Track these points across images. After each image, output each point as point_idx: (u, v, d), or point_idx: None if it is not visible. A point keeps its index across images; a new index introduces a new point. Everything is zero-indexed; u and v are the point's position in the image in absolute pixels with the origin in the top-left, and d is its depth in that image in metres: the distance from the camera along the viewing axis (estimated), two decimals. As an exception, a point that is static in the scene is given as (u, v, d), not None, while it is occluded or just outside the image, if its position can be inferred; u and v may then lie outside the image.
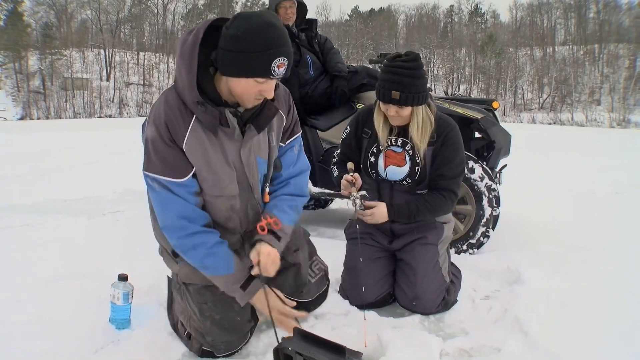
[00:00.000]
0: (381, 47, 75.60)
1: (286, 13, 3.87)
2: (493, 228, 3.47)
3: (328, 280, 2.61)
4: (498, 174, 3.84)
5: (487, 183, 3.40)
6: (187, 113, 1.88)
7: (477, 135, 3.85)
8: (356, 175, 2.49)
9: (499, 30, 75.35)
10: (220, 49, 1.79)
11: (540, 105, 64.23)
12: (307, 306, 2.45)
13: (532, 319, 2.39)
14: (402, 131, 2.60)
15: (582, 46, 67.76)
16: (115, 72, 74.43)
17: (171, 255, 2.16)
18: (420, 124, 2.49)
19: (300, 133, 2.26)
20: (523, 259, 3.28)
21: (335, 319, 2.52)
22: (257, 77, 1.79)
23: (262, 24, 1.75)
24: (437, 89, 69.81)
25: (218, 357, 2.15)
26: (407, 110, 2.45)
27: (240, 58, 1.75)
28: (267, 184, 2.15)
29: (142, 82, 72.24)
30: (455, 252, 3.43)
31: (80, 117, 64.68)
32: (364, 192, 2.48)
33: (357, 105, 3.90)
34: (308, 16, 4.08)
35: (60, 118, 63.23)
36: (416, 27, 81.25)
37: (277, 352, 1.81)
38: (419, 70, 2.43)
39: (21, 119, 60.93)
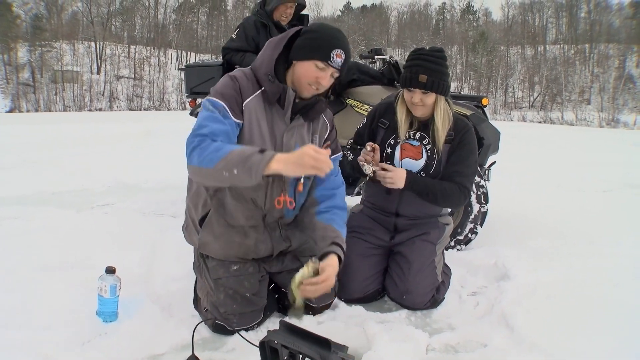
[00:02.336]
0: (373, 43, 75.49)
1: (285, 12, 3.89)
2: (481, 224, 3.50)
3: (336, 295, 2.59)
4: (487, 171, 3.86)
5: (475, 179, 3.42)
6: (256, 85, 2.15)
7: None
8: (376, 146, 2.52)
9: (490, 29, 75.54)
10: (297, 41, 2.15)
11: (531, 103, 64.47)
12: (311, 311, 2.45)
13: (518, 313, 2.41)
14: (422, 126, 2.65)
15: (573, 45, 68.11)
16: (105, 65, 73.88)
17: (197, 224, 2.27)
18: (442, 117, 2.56)
19: (341, 154, 2.48)
20: (510, 254, 3.30)
21: (323, 313, 2.52)
22: (318, 60, 2.08)
23: (334, 28, 2.20)
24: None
25: (226, 335, 2.24)
26: (431, 98, 2.50)
27: (309, 43, 2.11)
28: (303, 177, 2.23)
29: (132, 76, 71.76)
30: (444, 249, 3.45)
31: (70, 110, 64.25)
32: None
33: (346, 101, 3.90)
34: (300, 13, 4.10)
35: (50, 111, 62.76)
36: (408, 23, 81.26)
37: (262, 345, 1.81)
38: (445, 61, 2.54)
39: (10, 111, 60.40)
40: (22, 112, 60.42)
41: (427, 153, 2.62)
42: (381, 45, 77.85)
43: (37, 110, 62.58)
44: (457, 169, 2.60)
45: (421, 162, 2.62)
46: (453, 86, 69.12)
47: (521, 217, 4.63)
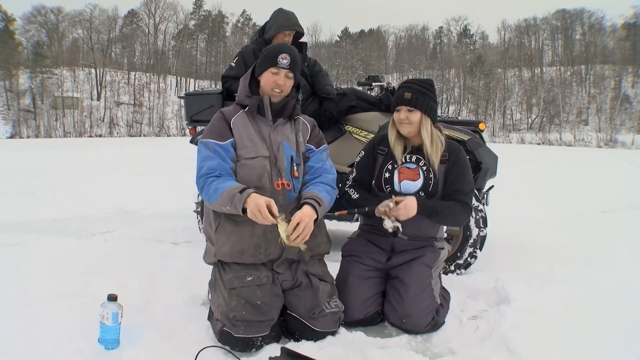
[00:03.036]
0: (371, 67, 76.12)
1: (284, 40, 3.90)
2: (480, 248, 3.52)
3: (340, 324, 2.61)
4: (485, 195, 3.89)
5: (474, 204, 3.44)
6: (238, 107, 2.69)
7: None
8: (399, 199, 2.63)
9: (487, 51, 76.14)
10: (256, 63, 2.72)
11: (529, 125, 64.73)
12: (314, 336, 2.48)
13: (518, 337, 2.42)
14: (416, 150, 2.81)
15: (569, 67, 68.63)
16: (105, 92, 74.33)
17: (213, 236, 2.61)
18: (431, 137, 2.73)
19: (326, 145, 2.83)
20: (510, 278, 3.31)
21: (324, 339, 2.51)
22: (270, 68, 2.60)
23: (279, 44, 2.92)
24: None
25: (231, 344, 2.33)
26: (416, 115, 2.70)
27: (261, 58, 2.67)
28: (295, 164, 2.63)
29: (132, 102, 72.18)
30: (443, 273, 3.44)
31: (70, 136, 64.55)
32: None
33: (345, 128, 3.95)
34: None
35: (50, 137, 63.02)
36: (405, 48, 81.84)
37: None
38: (432, 87, 2.77)
39: (11, 137, 60.64)
40: (22, 138, 60.71)
41: (424, 174, 2.76)
42: (379, 70, 78.43)
43: (37, 136, 62.82)
44: (457, 187, 2.73)
45: (419, 183, 2.76)
46: (451, 109, 69.79)
47: (520, 239, 4.66)
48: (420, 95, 2.69)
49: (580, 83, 66.68)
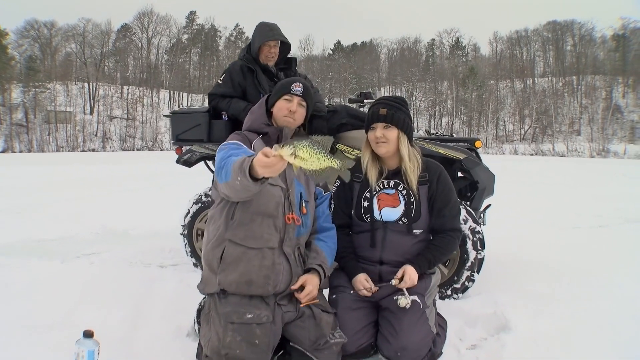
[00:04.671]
0: (364, 80, 76.40)
1: (270, 52, 3.81)
2: (478, 271, 3.37)
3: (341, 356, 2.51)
4: (482, 214, 3.77)
5: (471, 225, 3.32)
6: (254, 135, 2.63)
7: (459, 174, 3.79)
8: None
9: (480, 63, 76.51)
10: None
11: (522, 136, 65.01)
12: None
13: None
14: (392, 173, 2.66)
15: (561, 78, 69.05)
16: (98, 106, 74.28)
17: (215, 265, 2.40)
18: (409, 155, 2.59)
19: (330, 192, 2.77)
20: (509, 301, 3.20)
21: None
22: (284, 95, 2.62)
23: (292, 77, 2.99)
24: (420, 122, 70.43)
25: None
26: (393, 133, 2.57)
27: (276, 89, 2.71)
28: (304, 201, 2.56)
29: (125, 116, 72.12)
30: (440, 298, 3.32)
31: (63, 151, 64.36)
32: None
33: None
34: (291, 52, 4.06)
35: (43, 151, 62.82)
36: (398, 60, 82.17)
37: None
38: (405, 105, 2.65)
39: (3, 151, 60.48)
40: (15, 152, 60.50)
41: (404, 198, 2.62)
42: (372, 82, 78.71)
43: (30, 151, 62.61)
44: (444, 214, 2.60)
45: (400, 209, 2.62)
46: (444, 121, 70.04)
47: (517, 258, 4.51)
48: (397, 112, 2.58)
49: (572, 94, 67.15)
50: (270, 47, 3.80)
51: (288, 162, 1.92)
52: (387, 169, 2.68)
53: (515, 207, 7.96)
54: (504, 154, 51.20)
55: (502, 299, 3.23)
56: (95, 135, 70.44)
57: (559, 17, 76.70)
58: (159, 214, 6.65)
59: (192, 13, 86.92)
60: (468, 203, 3.63)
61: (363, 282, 2.54)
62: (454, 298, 3.40)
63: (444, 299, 3.35)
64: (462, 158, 3.45)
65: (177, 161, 4.10)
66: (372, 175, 2.65)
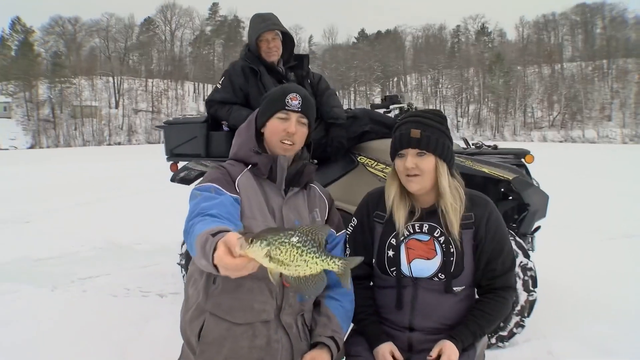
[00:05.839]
0: (389, 68, 75.59)
1: (269, 47, 3.23)
2: (528, 315, 2.77)
3: None
4: (531, 238, 3.16)
5: (522, 262, 2.75)
6: (242, 166, 2.00)
7: (501, 189, 3.20)
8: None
9: (506, 49, 75.25)
10: (257, 113, 2.08)
11: (551, 123, 63.76)
12: None
13: None
14: (427, 214, 1.96)
15: (591, 62, 67.37)
16: (123, 100, 74.99)
17: (194, 344, 1.82)
18: (450, 191, 1.90)
19: (345, 231, 2.13)
20: (564, 348, 2.69)
21: None
22: (277, 112, 1.97)
23: (284, 85, 2.12)
24: (447, 110, 69.40)
25: None
26: (429, 162, 1.87)
27: (264, 104, 2.04)
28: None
29: (150, 109, 72.50)
30: (483, 348, 2.75)
31: (89, 145, 65.06)
32: None
33: (358, 159, 3.26)
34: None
35: (69, 146, 63.62)
36: (423, 48, 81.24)
37: None
38: (444, 121, 1.94)
39: (31, 147, 61.39)
40: (42, 147, 61.19)
41: (441, 248, 1.92)
42: (397, 70, 77.82)
43: (57, 146, 63.35)
44: (493, 267, 1.92)
45: (436, 262, 1.92)
46: (471, 108, 68.97)
47: (568, 287, 3.85)
48: (434, 133, 1.89)
49: (602, 78, 65.50)
50: (268, 41, 3.21)
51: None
52: (419, 208, 1.99)
53: (555, 209, 7.16)
54: (532, 141, 50.00)
55: (556, 346, 2.71)
56: (121, 128, 71.02)
57: (588, 0, 74.45)
58: (169, 222, 6.19)
59: (215, 5, 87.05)
60: (515, 228, 3.04)
61: (386, 357, 1.89)
62: (499, 346, 2.81)
63: (488, 348, 2.77)
64: (511, 179, 2.83)
65: (172, 179, 3.57)
66: (400, 216, 1.96)
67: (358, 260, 1.46)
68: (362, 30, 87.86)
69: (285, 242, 1.28)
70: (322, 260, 1.34)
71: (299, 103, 1.98)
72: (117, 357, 2.74)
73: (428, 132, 1.86)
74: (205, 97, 3.45)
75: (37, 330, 3.17)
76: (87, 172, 15.32)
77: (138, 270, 4.42)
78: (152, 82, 78.81)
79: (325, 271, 1.48)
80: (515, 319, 2.75)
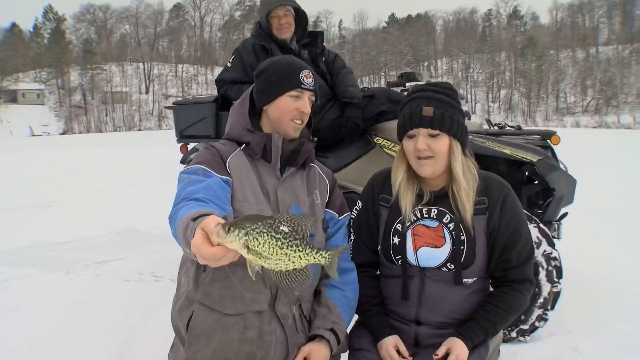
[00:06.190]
0: (419, 53, 74.88)
1: (280, 24, 3.08)
2: (552, 307, 2.59)
3: None
4: (557, 226, 2.96)
5: (545, 250, 2.56)
6: (235, 145, 1.88)
7: (526, 174, 3.02)
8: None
9: (538, 33, 73.82)
10: (254, 90, 1.92)
11: (584, 108, 62.47)
12: None
13: None
14: (436, 198, 1.79)
15: (628, 45, 65.56)
16: (153, 85, 75.80)
17: (183, 334, 1.70)
18: (463, 173, 1.72)
19: (349, 213, 2.00)
20: (591, 345, 2.51)
21: None
22: (290, 90, 1.83)
23: (285, 56, 2.04)
24: (478, 95, 68.52)
25: None
26: (443, 144, 1.69)
27: (271, 80, 1.86)
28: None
29: (181, 94, 72.97)
30: (502, 341, 2.57)
31: (120, 130, 65.90)
32: None
33: (374, 140, 3.09)
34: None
35: (100, 132, 64.59)
36: (454, 32, 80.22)
37: None
38: (456, 95, 1.75)
39: (63, 133, 62.46)
40: (74, 133, 62.19)
41: (451, 236, 1.75)
42: (428, 55, 76.98)
43: (88, 132, 64.37)
44: (508, 257, 1.73)
45: (445, 250, 1.75)
46: (503, 94, 67.92)
47: (596, 281, 3.59)
48: (448, 109, 1.69)
49: (640, 61, 63.64)
50: (279, 17, 3.06)
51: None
52: (428, 191, 1.79)
53: (586, 197, 6.84)
54: (565, 126, 48.97)
55: (582, 343, 2.53)
56: (152, 114, 71.75)
57: (626, -20, 72.46)
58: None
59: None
60: (540, 214, 2.85)
61: (390, 352, 1.74)
62: (520, 340, 2.64)
63: (507, 341, 2.60)
64: (534, 161, 2.64)
65: (182, 162, 3.47)
66: (407, 201, 1.78)
67: (344, 249, 1.35)
68: (393, 15, 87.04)
69: (264, 233, 1.15)
70: (306, 254, 1.21)
71: (312, 81, 1.86)
72: (122, 343, 2.70)
73: (442, 109, 1.67)
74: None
75: (46, 315, 3.16)
76: (113, 157, 15.43)
77: (153, 256, 4.37)
78: (182, 68, 79.42)
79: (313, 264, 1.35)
80: (537, 312, 2.57)
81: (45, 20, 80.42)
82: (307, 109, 1.85)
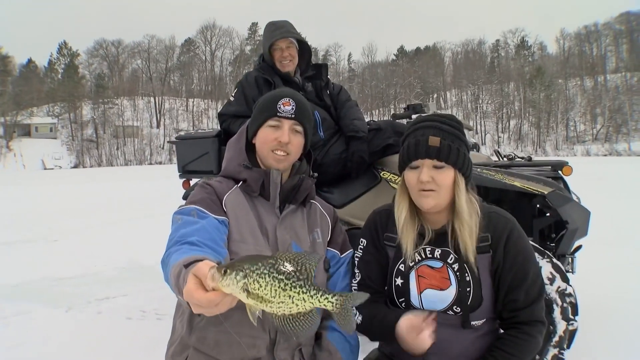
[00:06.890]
0: (429, 85, 75.17)
1: (282, 56, 3.02)
2: (568, 347, 2.48)
3: None
4: (571, 259, 2.86)
5: (559, 287, 2.46)
6: (231, 182, 1.82)
7: (537, 205, 2.92)
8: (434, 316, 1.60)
9: (547, 62, 74.14)
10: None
11: (594, 136, 62.24)
12: None
13: None
14: (438, 237, 1.69)
15: (636, 72, 65.62)
16: (164, 119, 76.53)
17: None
18: (466, 209, 1.61)
19: (352, 251, 1.92)
20: None
21: None
22: (268, 120, 1.78)
23: (277, 89, 2.03)
24: (487, 126, 68.49)
25: None
26: (448, 176, 1.60)
27: (255, 112, 1.85)
28: None
29: (191, 128, 73.56)
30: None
31: (131, 164, 66.29)
32: None
33: (380, 174, 3.02)
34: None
35: (111, 165, 64.99)
36: (463, 63, 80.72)
37: None
38: (462, 129, 1.66)
39: (75, 167, 62.96)
40: (85, 167, 62.67)
41: (456, 277, 1.64)
42: (437, 87, 77.29)
43: (99, 165, 64.83)
44: (518, 297, 1.61)
45: (451, 293, 1.64)
46: (512, 124, 67.83)
47: (614, 317, 3.44)
48: (454, 141, 1.61)
49: (648, 88, 63.61)
50: (282, 49, 3.01)
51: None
52: (429, 229, 1.69)
53: (597, 225, 6.68)
54: (575, 155, 48.74)
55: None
56: (162, 148, 72.19)
57: (632, 8, 72.91)
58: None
59: (254, 24, 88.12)
60: (553, 248, 2.75)
61: (413, 321, 1.57)
62: (536, 381, 2.53)
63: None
64: (546, 193, 2.55)
65: (184, 198, 3.40)
66: (409, 239, 1.67)
67: (360, 297, 1.21)
68: (401, 47, 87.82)
69: (265, 274, 1.07)
70: (311, 296, 1.11)
71: (292, 109, 1.78)
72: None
73: (448, 141, 1.60)
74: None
75: (46, 353, 3.10)
76: (122, 191, 15.45)
77: (157, 292, 4.26)
78: (193, 102, 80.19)
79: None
80: (553, 351, 2.45)
81: (59, 55, 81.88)
82: (285, 139, 1.76)
